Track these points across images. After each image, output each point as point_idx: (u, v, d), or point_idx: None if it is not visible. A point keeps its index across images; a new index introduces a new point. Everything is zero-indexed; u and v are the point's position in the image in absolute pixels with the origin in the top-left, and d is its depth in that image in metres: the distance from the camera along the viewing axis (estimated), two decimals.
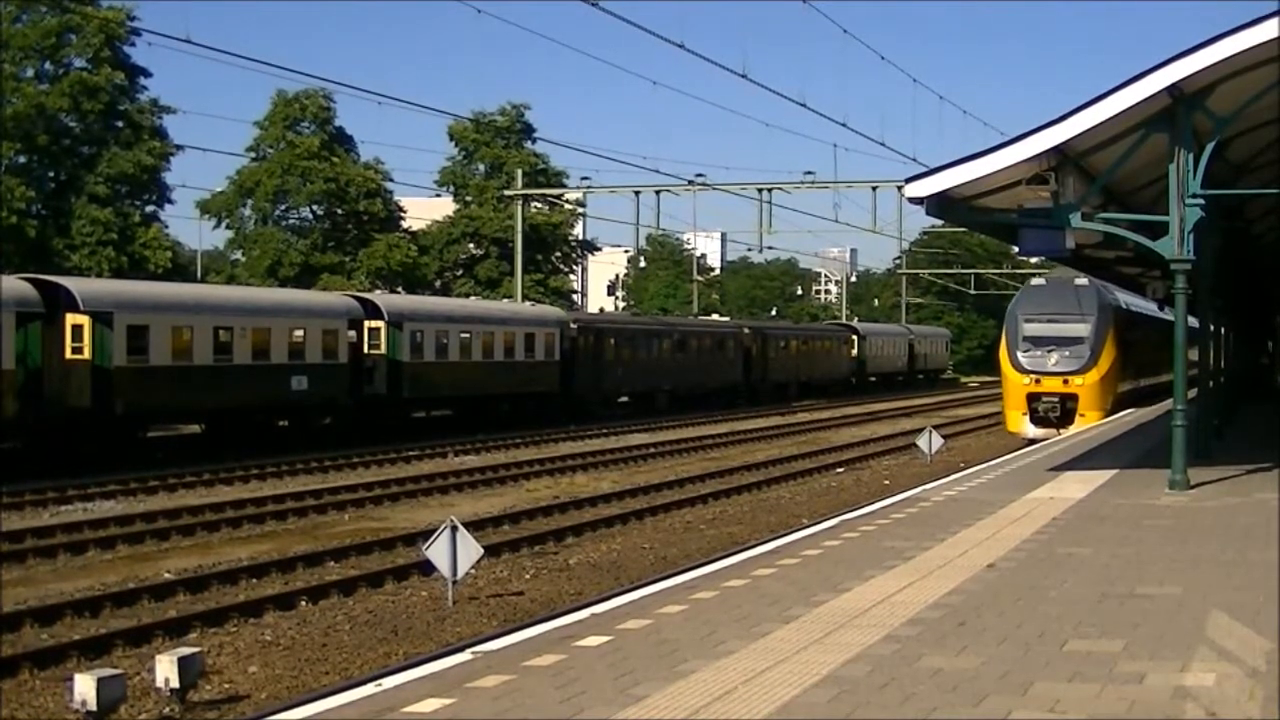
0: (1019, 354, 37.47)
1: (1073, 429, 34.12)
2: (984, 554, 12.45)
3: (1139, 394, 43.42)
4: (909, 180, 18.14)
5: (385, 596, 17.65)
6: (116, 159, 52.01)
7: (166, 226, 56.93)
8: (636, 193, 58.41)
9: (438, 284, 72.83)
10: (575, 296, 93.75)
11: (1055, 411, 36.48)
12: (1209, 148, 17.35)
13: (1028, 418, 36.91)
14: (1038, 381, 36.93)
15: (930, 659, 8.30)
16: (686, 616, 9.72)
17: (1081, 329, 37.19)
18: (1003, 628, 9.25)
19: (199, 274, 70.64)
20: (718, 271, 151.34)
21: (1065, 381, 36.75)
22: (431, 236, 73.48)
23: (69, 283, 33.53)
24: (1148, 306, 45.54)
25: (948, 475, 21.78)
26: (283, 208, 66.70)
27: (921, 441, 33.58)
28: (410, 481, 30.27)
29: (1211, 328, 27.76)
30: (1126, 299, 42.16)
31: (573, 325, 52.41)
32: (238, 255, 70.49)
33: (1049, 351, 37.04)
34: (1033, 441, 30.80)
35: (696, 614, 9.79)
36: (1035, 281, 41.63)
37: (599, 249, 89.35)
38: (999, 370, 40.51)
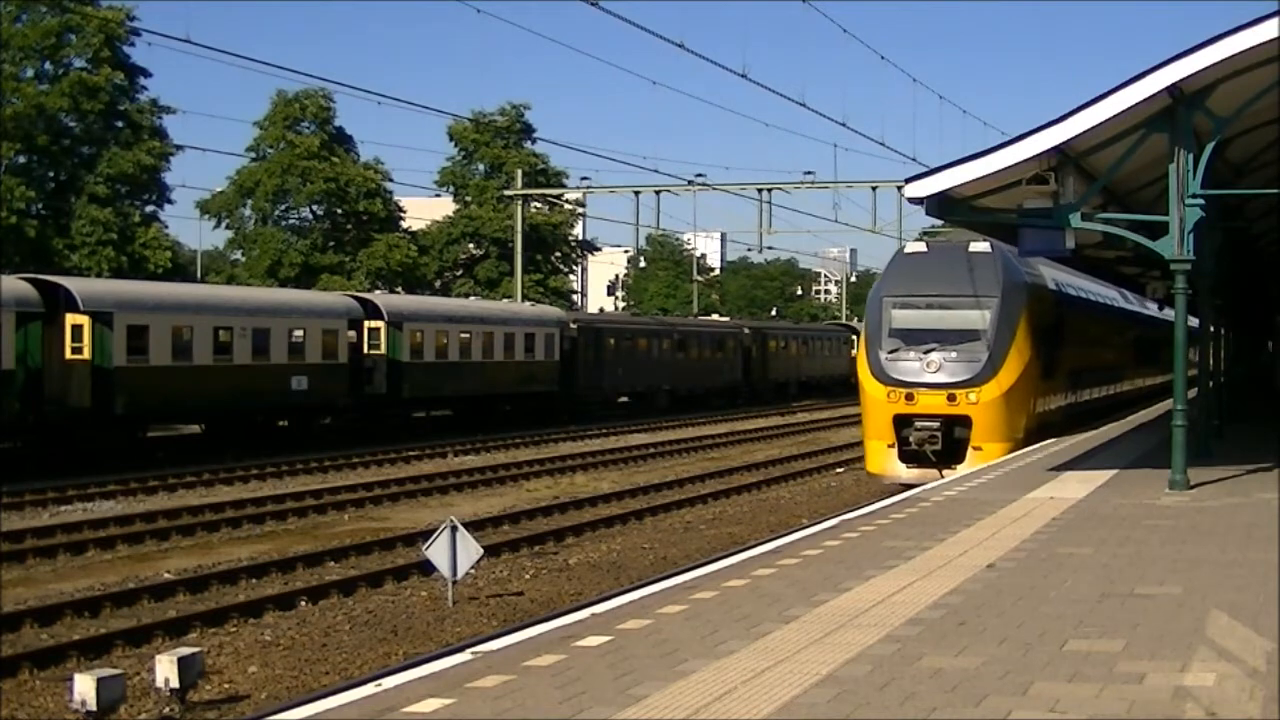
0: (882, 356, 25.29)
1: (963, 469, 23.12)
2: (984, 554, 12.45)
3: (1077, 414, 31.34)
4: (909, 180, 18.16)
5: (385, 596, 17.66)
6: (116, 159, 52.00)
7: (166, 226, 57.03)
8: (636, 193, 58.53)
9: (438, 284, 72.82)
10: (575, 296, 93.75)
11: (935, 443, 24.60)
12: (1209, 148, 17.35)
13: (895, 452, 25.11)
14: (910, 398, 24.82)
15: (930, 659, 8.30)
16: (687, 616, 9.71)
17: (977, 318, 25.20)
18: (1003, 628, 9.24)
19: (199, 274, 70.69)
20: (718, 271, 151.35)
21: (951, 398, 24.63)
22: (431, 236, 73.49)
23: (69, 283, 33.55)
24: (1093, 288, 35.05)
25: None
26: (283, 208, 66.69)
27: None
28: (410, 481, 30.28)
29: (1211, 328, 27.72)
30: (1055, 275, 29.94)
31: (573, 325, 52.44)
32: (238, 255, 70.55)
33: (927, 352, 24.94)
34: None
35: (697, 614, 9.79)
36: (910, 247, 28.22)
37: (599, 249, 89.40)
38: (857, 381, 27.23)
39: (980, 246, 25.85)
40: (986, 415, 24.65)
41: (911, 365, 25.04)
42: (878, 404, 25.34)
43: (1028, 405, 26.10)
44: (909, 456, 24.95)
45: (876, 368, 25.33)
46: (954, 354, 24.91)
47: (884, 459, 25.44)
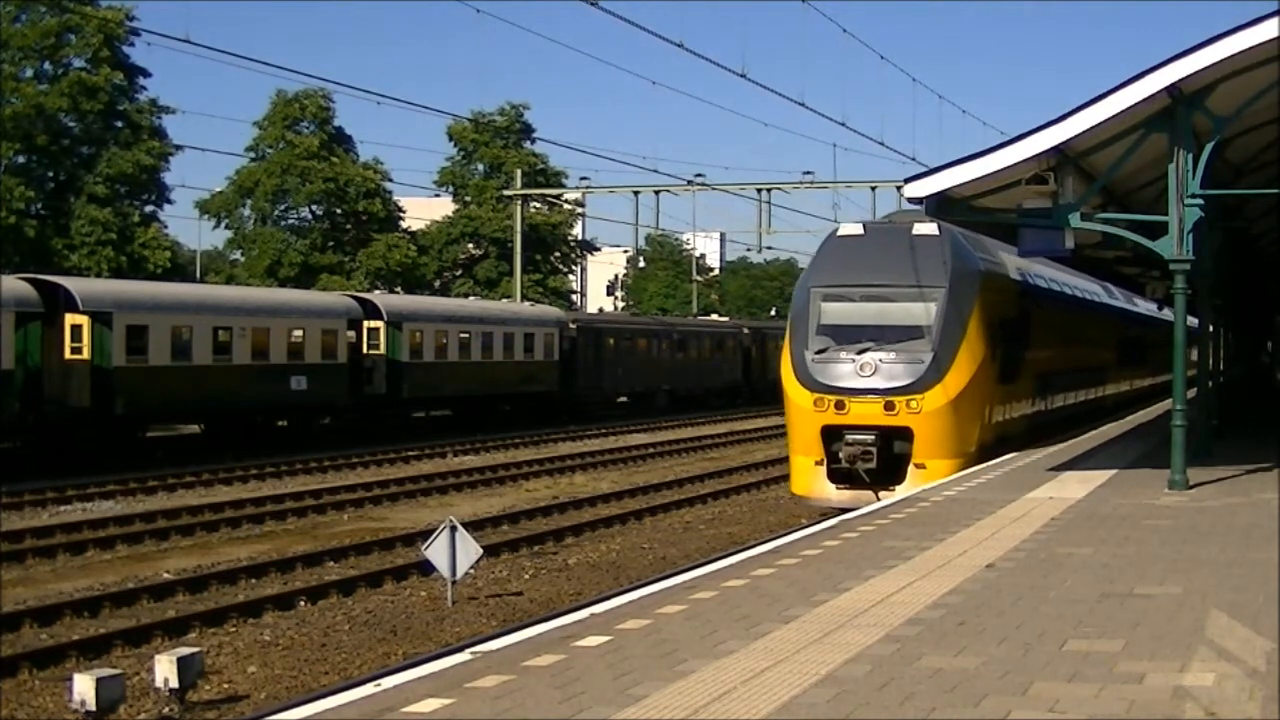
0: (809, 357, 21.68)
1: (903, 490, 19.91)
2: (983, 554, 12.45)
3: (1047, 423, 27.47)
4: (908, 180, 18.16)
5: (384, 596, 17.66)
6: (116, 159, 52.00)
7: (166, 226, 57.05)
8: (636, 193, 58.63)
9: (437, 284, 72.85)
10: (574, 296, 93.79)
11: (869, 460, 21.05)
12: (1208, 148, 17.36)
13: (824, 469, 21.49)
14: (840, 407, 21.21)
15: (930, 659, 8.29)
16: (686, 616, 9.71)
17: (920, 312, 21.69)
18: (1002, 627, 9.24)
19: (198, 274, 70.72)
20: (717, 272, 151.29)
21: (889, 407, 21.07)
22: (431, 236, 73.52)
23: (68, 283, 33.56)
24: (1068, 280, 31.31)
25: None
26: (282, 208, 66.70)
27: None
28: (410, 481, 30.29)
29: (1210, 328, 27.68)
30: (1021, 263, 25.70)
31: (572, 325, 52.47)
32: (237, 255, 70.58)
33: (861, 353, 21.39)
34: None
35: (696, 614, 9.78)
36: (845, 229, 23.65)
37: (598, 249, 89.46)
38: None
39: (925, 228, 22.15)
40: (930, 427, 21.08)
41: (843, 368, 21.44)
42: (803, 413, 21.64)
43: (981, 414, 22.41)
44: (840, 475, 21.42)
45: (802, 371, 21.66)
46: (892, 355, 21.38)
47: (810, 478, 21.74)
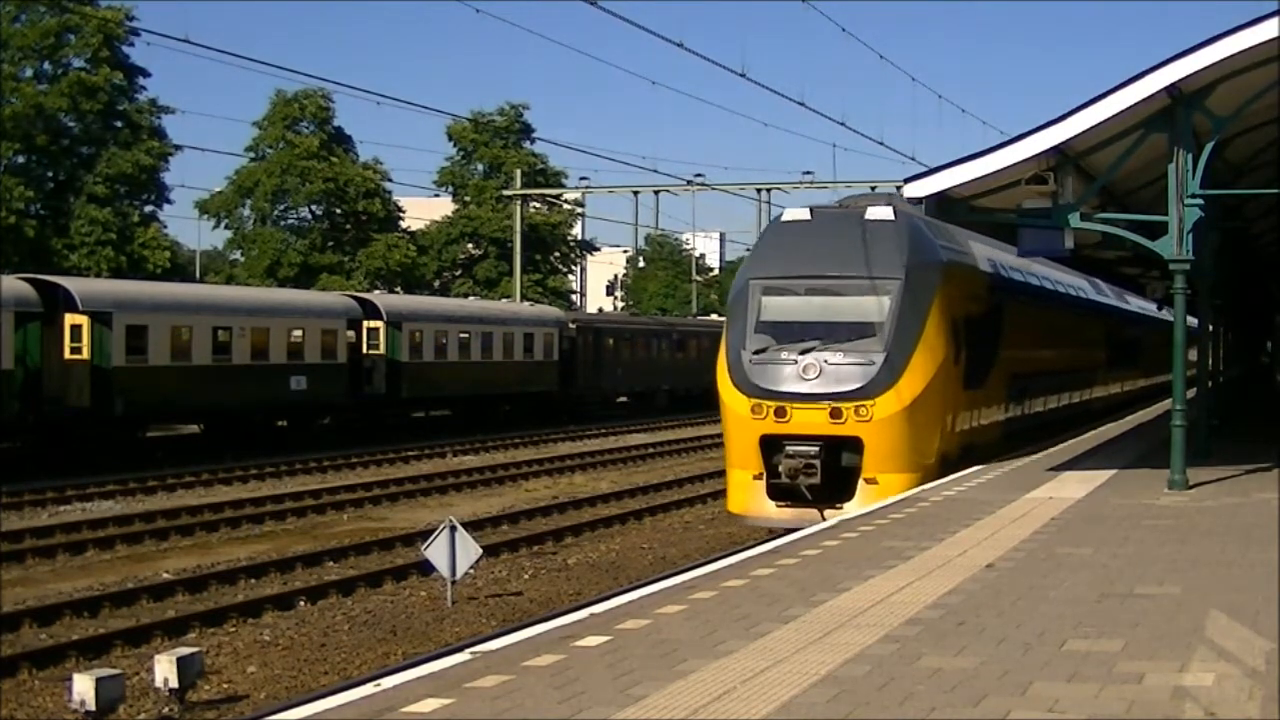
0: (746, 358, 19.13)
1: (852, 508, 17.68)
2: (983, 554, 12.44)
3: (1023, 430, 25.01)
4: (908, 180, 18.12)
5: (384, 596, 17.68)
6: (115, 159, 52.03)
7: (165, 226, 57.15)
8: (635, 193, 58.79)
9: (436, 284, 72.89)
10: (574, 296, 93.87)
11: (813, 474, 18.46)
12: (1208, 148, 17.36)
13: (763, 485, 18.92)
14: (781, 414, 18.62)
15: (929, 659, 8.29)
16: (686, 616, 9.70)
17: (871, 306, 19.13)
18: (1002, 628, 9.23)
19: (198, 274, 70.77)
20: (717, 272, 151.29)
21: (835, 414, 18.48)
22: (430, 236, 73.55)
23: (68, 283, 33.59)
24: (1049, 274, 28.84)
25: (947, 474, 21.64)
26: (282, 208, 66.76)
27: None
28: (409, 481, 30.30)
29: (1210, 328, 27.67)
30: (992, 254, 23.46)
31: (572, 325, 52.49)
32: (237, 255, 70.64)
33: (805, 353, 18.81)
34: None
35: (696, 614, 9.78)
36: (790, 214, 21.08)
37: (598, 249, 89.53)
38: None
39: (879, 213, 19.86)
40: (882, 437, 18.53)
41: (784, 370, 18.79)
42: (740, 421, 19.02)
43: (941, 422, 19.89)
44: (781, 492, 18.86)
45: (738, 373, 19.04)
46: (840, 355, 18.77)
47: (747, 495, 19.14)
